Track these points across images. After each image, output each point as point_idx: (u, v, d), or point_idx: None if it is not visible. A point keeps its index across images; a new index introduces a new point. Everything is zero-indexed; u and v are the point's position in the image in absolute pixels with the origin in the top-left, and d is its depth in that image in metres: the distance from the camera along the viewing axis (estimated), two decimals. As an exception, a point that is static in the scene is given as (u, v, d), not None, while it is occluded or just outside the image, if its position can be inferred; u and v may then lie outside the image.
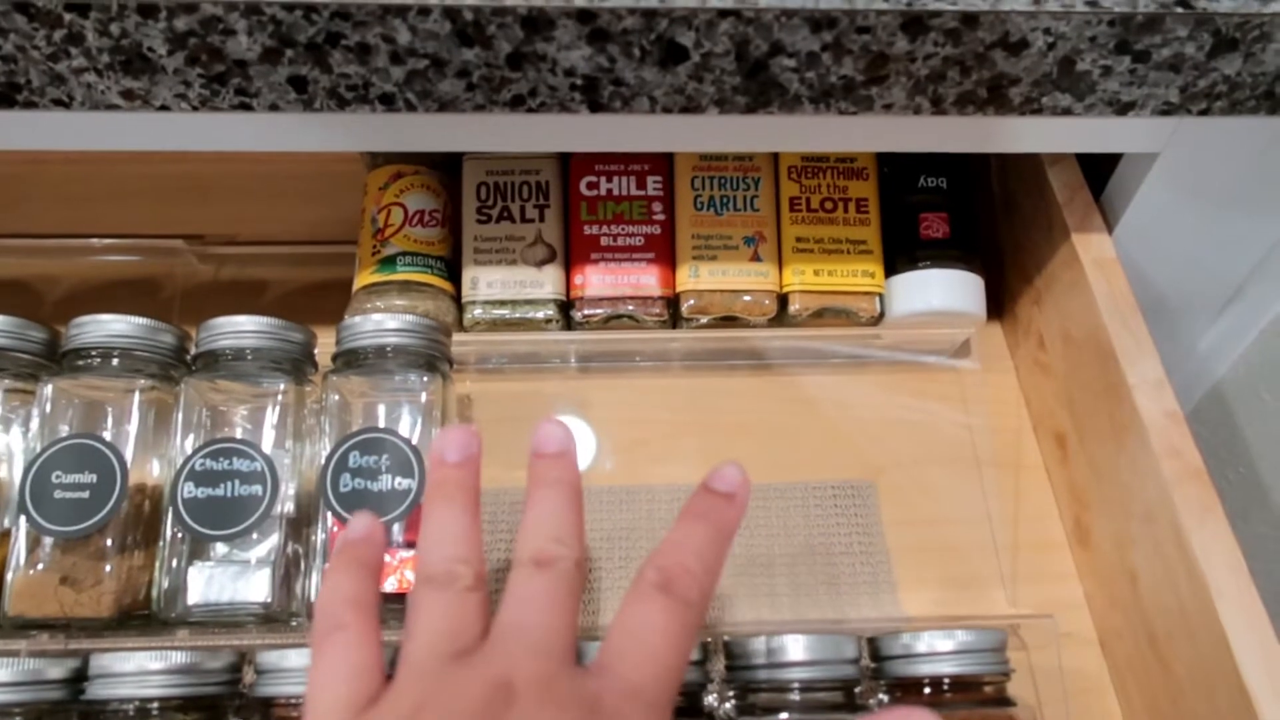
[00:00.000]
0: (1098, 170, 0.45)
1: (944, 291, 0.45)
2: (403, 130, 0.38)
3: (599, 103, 0.35)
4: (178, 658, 0.32)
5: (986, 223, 0.51)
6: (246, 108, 0.35)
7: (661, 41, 0.32)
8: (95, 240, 0.52)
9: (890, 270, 0.46)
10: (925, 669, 0.32)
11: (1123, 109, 0.36)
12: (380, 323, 0.39)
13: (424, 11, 0.31)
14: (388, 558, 0.37)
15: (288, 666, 0.32)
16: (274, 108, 0.35)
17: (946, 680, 0.32)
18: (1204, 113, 0.36)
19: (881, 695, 0.34)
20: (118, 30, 0.32)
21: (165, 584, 0.37)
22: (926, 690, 0.33)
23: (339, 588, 0.27)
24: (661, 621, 0.25)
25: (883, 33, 0.32)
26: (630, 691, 0.24)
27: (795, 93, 0.34)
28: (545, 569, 0.26)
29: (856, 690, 0.33)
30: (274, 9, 0.31)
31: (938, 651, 0.32)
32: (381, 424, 0.39)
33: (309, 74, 0.33)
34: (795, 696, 0.32)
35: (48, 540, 0.36)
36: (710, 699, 0.33)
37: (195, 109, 0.35)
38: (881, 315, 0.46)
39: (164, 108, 0.34)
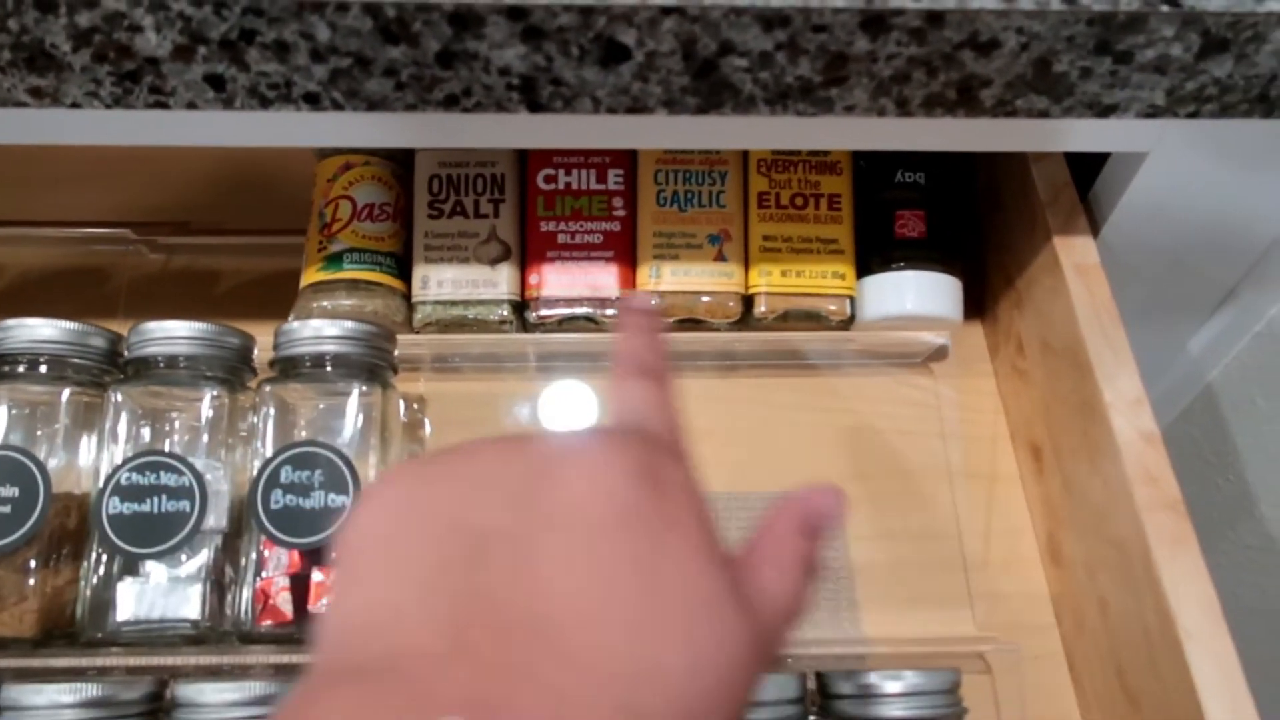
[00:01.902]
0: (1087, 165, 0.42)
1: (919, 294, 0.43)
2: (337, 127, 0.36)
3: (538, 103, 0.32)
4: (92, 690, 0.31)
5: (971, 217, 0.49)
6: (163, 106, 0.32)
7: (601, 40, 0.30)
8: (41, 229, 0.50)
9: (864, 270, 0.44)
10: (874, 712, 0.31)
11: (1104, 111, 0.33)
12: (319, 329, 0.37)
13: (343, 8, 0.29)
14: (320, 575, 0.36)
15: (205, 701, 0.31)
16: (191, 106, 0.32)
17: (895, 722, 0.31)
18: (1192, 115, 0.33)
19: (828, 734, 0.32)
20: (16, 26, 0.30)
21: (90, 601, 0.35)
22: (875, 731, 0.31)
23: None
24: (654, 390, 0.28)
25: (840, 32, 0.30)
26: (662, 440, 0.25)
27: (749, 94, 0.32)
28: None
29: (801, 729, 0.32)
30: (181, 4, 0.29)
31: (886, 694, 0.31)
32: (320, 434, 0.38)
33: (226, 72, 0.31)
34: (736, 737, 0.30)
35: (-31, 556, 0.35)
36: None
37: (109, 107, 0.32)
38: (852, 318, 0.44)
39: (76, 105, 0.32)
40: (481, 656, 0.19)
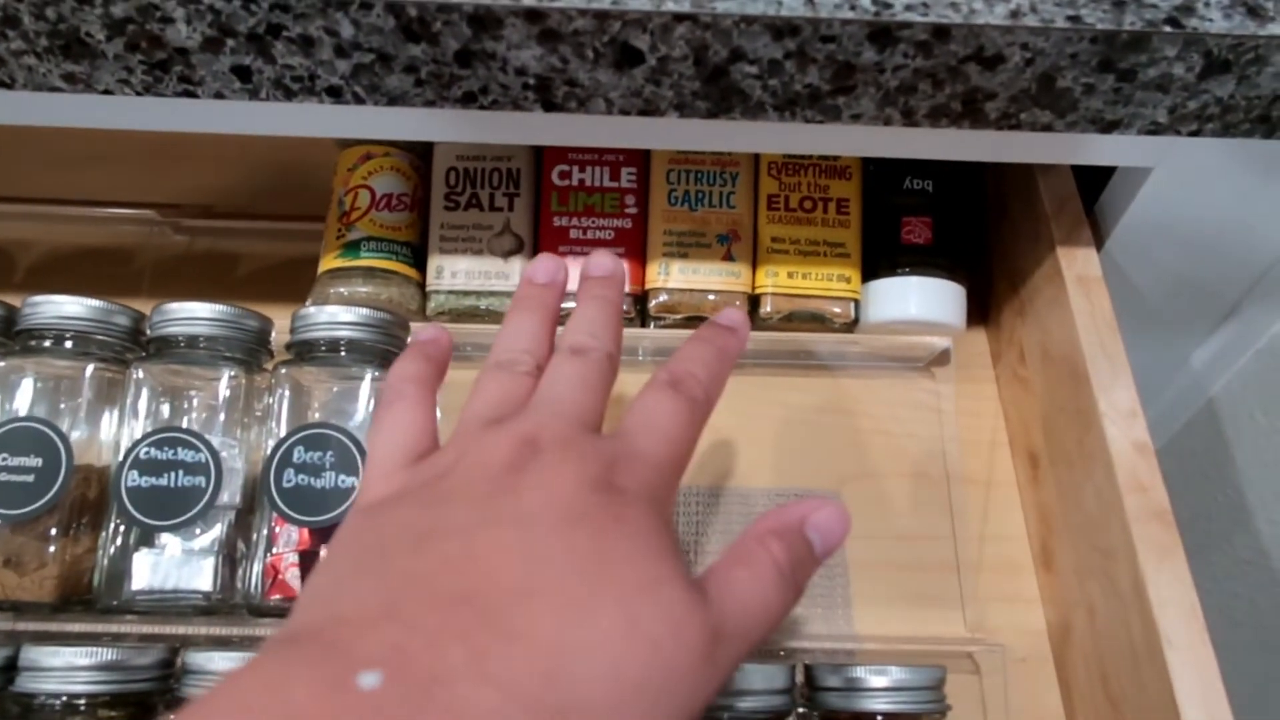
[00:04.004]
0: (1094, 179, 0.43)
1: (922, 300, 0.44)
2: (358, 120, 0.37)
3: (553, 103, 0.33)
4: (106, 654, 0.32)
5: (978, 225, 0.49)
6: (191, 95, 0.34)
7: (615, 44, 0.31)
8: (69, 207, 0.51)
9: (870, 274, 0.45)
10: (859, 704, 0.32)
11: (1107, 127, 0.34)
12: (334, 315, 0.39)
13: (366, 6, 0.30)
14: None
15: (214, 669, 0.32)
16: (219, 96, 0.34)
17: (879, 717, 0.32)
18: (1194, 134, 0.34)
19: (814, 725, 0.33)
20: (54, 14, 0.31)
21: (108, 569, 0.37)
22: (859, 725, 0.32)
23: (404, 368, 0.31)
24: (670, 408, 0.28)
25: (849, 43, 0.31)
26: (641, 455, 0.26)
27: (758, 100, 0.33)
28: (578, 356, 0.29)
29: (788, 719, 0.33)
30: (211, -2, 0.30)
31: (872, 687, 0.32)
32: (332, 417, 0.39)
33: (253, 64, 0.32)
34: (725, 724, 0.31)
35: (-7, 522, 0.36)
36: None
37: (140, 94, 0.34)
38: (856, 321, 0.44)
39: (107, 91, 0.34)
40: (409, 621, 0.20)
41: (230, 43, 0.31)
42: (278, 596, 0.36)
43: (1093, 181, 0.43)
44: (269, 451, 0.37)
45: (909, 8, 0.30)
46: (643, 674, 0.21)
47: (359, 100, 0.34)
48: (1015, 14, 0.30)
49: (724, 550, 0.26)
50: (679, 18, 0.30)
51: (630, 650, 0.21)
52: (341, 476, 0.37)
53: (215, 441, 0.38)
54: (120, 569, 0.37)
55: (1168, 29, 0.30)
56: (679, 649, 0.21)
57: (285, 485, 0.36)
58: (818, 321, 0.44)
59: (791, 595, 0.25)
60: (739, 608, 0.24)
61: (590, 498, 0.24)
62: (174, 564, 0.37)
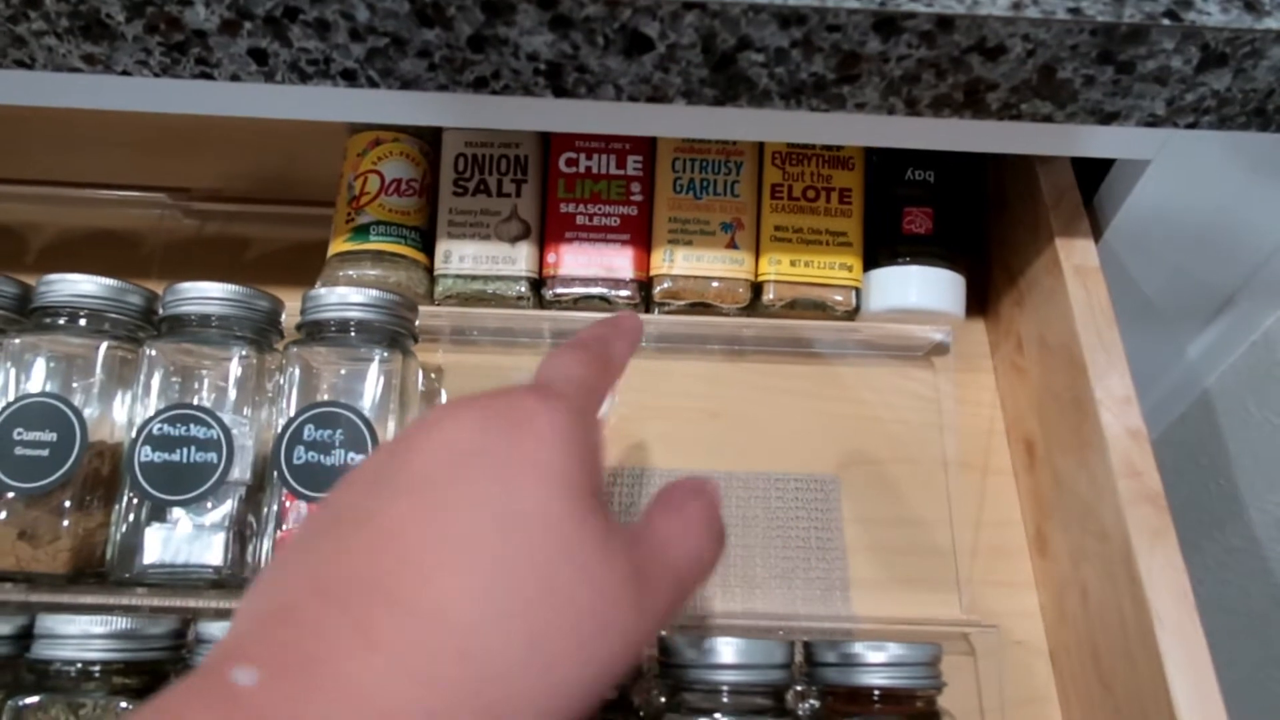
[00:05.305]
0: (1093, 171, 0.43)
1: (923, 289, 0.44)
2: (371, 104, 0.38)
3: (563, 88, 0.34)
4: (121, 623, 0.33)
5: (978, 216, 0.50)
6: (208, 77, 0.34)
7: (625, 30, 0.32)
8: (81, 190, 0.51)
9: (871, 263, 0.45)
10: (857, 679, 0.33)
11: (1106, 119, 0.34)
12: (344, 296, 0.39)
13: (381, -10, 0.31)
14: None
15: (226, 638, 0.33)
16: (235, 78, 0.34)
17: (877, 692, 0.32)
18: (1191, 126, 0.35)
19: (812, 701, 0.34)
20: (75, -5, 0.31)
21: (120, 543, 0.37)
22: (856, 700, 0.33)
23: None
24: (572, 356, 0.27)
25: (854, 32, 0.31)
26: (548, 387, 0.25)
27: (765, 88, 0.34)
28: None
29: (787, 695, 0.33)
30: (230, -19, 0.31)
31: (869, 663, 0.32)
32: (341, 397, 0.39)
33: (269, 47, 0.33)
34: (725, 699, 0.32)
35: (8, 495, 0.37)
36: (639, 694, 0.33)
37: (157, 75, 0.34)
38: (857, 309, 0.45)
39: (126, 73, 0.34)
40: (304, 619, 0.19)
41: (247, 25, 0.32)
42: (287, 571, 0.37)
43: (1092, 174, 0.44)
44: (280, 429, 0.38)
45: (913, -2, 0.31)
46: (565, 639, 0.20)
47: (373, 84, 0.34)
48: (1017, 5, 0.31)
49: (651, 501, 0.26)
50: (688, 5, 0.31)
51: (549, 615, 0.20)
52: (351, 454, 0.37)
53: (226, 419, 0.38)
54: (132, 543, 0.37)
55: (1166, 22, 0.31)
56: (603, 606, 0.20)
57: (296, 462, 0.37)
58: (819, 309, 0.45)
59: (719, 545, 0.25)
60: (670, 555, 0.23)
61: (488, 438, 0.22)
62: (185, 539, 0.38)
